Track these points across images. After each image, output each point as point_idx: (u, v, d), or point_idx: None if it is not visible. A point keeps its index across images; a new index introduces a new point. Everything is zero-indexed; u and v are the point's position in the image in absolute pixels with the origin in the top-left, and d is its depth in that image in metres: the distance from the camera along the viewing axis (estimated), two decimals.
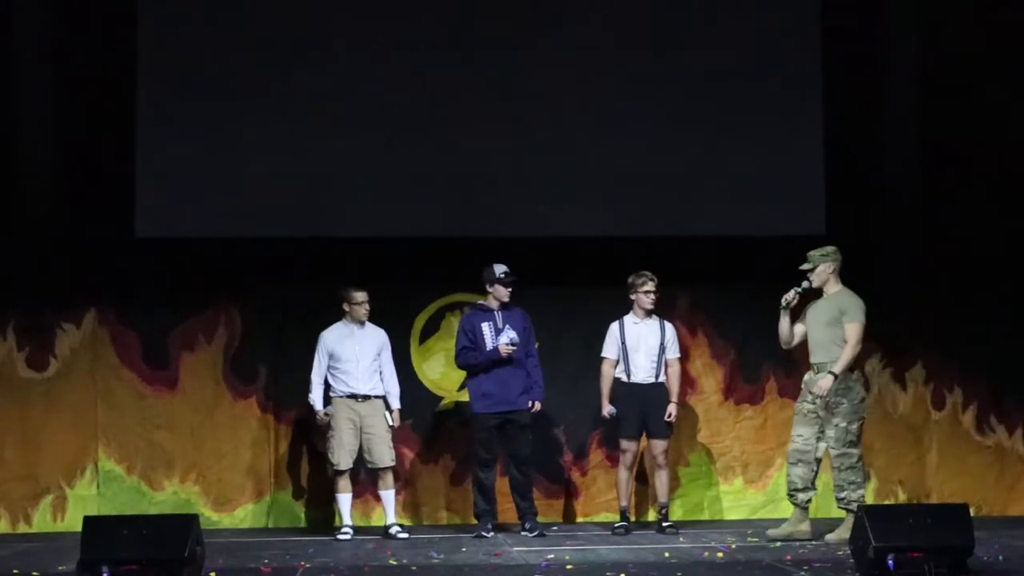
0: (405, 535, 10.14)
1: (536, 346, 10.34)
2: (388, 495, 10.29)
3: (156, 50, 10.92)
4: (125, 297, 11.02)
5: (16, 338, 10.90)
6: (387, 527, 10.25)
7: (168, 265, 10.91)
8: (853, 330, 9.52)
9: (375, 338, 10.33)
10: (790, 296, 9.66)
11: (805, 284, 9.63)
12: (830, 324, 9.58)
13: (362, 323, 10.30)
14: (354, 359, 10.21)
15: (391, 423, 10.25)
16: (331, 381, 10.26)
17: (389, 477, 10.29)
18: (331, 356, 10.25)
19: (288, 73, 10.95)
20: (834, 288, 9.70)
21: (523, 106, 11.04)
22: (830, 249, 9.71)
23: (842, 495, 9.53)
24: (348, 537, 10.05)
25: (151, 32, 10.92)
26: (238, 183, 10.84)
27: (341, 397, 10.21)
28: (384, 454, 10.22)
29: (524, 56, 11.10)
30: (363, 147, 10.92)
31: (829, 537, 9.45)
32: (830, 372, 9.44)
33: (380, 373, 10.32)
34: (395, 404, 10.33)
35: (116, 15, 10.91)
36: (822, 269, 9.66)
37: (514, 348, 10.07)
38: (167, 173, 10.85)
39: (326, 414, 10.20)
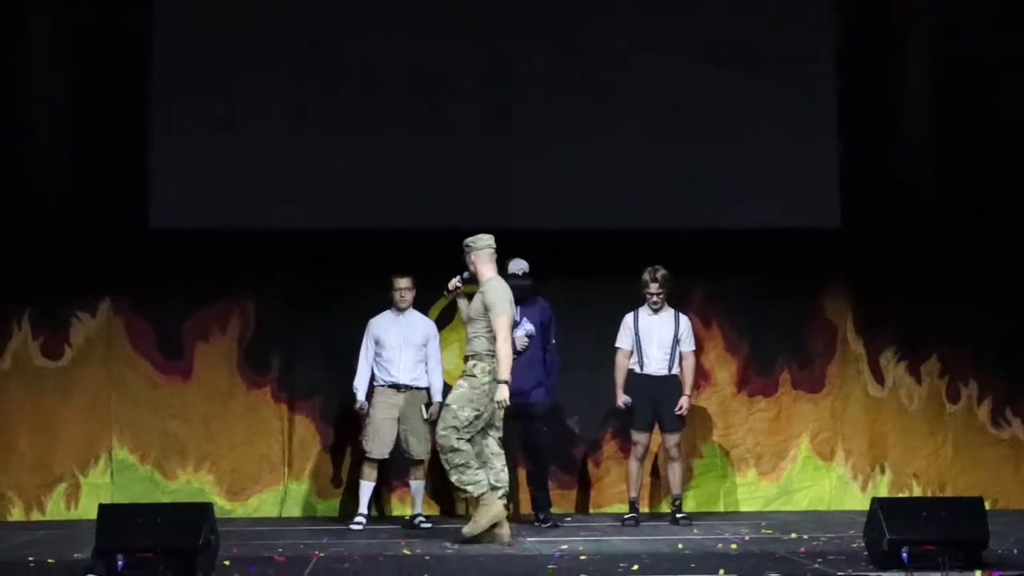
0: (429, 525, 10.16)
1: (553, 343, 10.31)
2: (418, 485, 10.32)
3: (171, 42, 10.91)
4: (140, 287, 11.05)
5: (31, 327, 10.93)
6: (413, 516, 10.28)
7: (182, 255, 10.92)
8: (501, 324, 9.04)
9: (422, 328, 10.33)
10: (452, 284, 9.46)
11: (466, 274, 9.35)
12: (476, 317, 9.21)
13: (403, 310, 10.29)
14: (397, 347, 10.21)
15: (426, 416, 10.22)
16: (375, 369, 10.26)
17: (420, 469, 10.31)
18: (376, 343, 10.25)
19: (303, 65, 10.94)
20: (485, 279, 9.28)
21: (538, 99, 11.01)
22: (479, 237, 9.31)
23: (452, 478, 9.09)
24: (360, 527, 10.04)
25: (166, 24, 10.92)
26: (252, 174, 10.82)
27: (383, 386, 10.21)
28: (422, 445, 10.23)
29: (539, 49, 11.07)
30: (380, 139, 10.89)
31: (464, 530, 9.02)
32: (501, 381, 9.00)
33: (426, 365, 10.31)
34: (436, 397, 10.28)
35: (132, 6, 10.90)
36: (471, 259, 9.29)
37: (528, 341, 10.05)
38: (181, 164, 10.85)
39: (360, 408, 10.20)
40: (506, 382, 8.97)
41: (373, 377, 10.26)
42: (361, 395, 10.21)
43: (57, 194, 10.84)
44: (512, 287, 9.44)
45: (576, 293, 11.01)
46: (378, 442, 10.16)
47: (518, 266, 10.18)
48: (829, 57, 11.23)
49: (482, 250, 9.26)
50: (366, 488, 10.22)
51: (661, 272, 10.28)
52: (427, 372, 10.30)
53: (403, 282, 10.27)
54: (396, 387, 10.20)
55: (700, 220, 11.11)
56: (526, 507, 10.60)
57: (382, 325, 10.27)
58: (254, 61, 10.94)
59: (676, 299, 10.53)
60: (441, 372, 10.39)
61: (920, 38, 11.40)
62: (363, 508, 10.21)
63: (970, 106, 11.26)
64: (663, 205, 11.09)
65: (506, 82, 11.02)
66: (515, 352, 9.99)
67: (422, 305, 10.62)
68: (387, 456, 10.23)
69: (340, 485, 11.02)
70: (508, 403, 9.04)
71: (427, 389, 10.29)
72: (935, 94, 11.34)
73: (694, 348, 10.49)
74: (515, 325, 10.06)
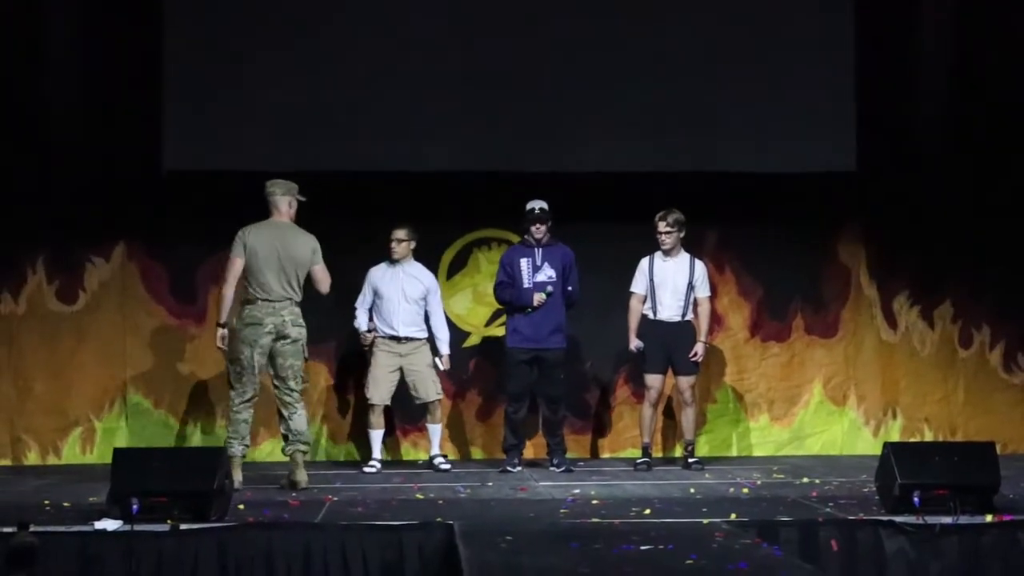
0: (448, 466, 10.23)
1: (570, 289, 10.28)
2: (435, 428, 10.39)
3: None
4: (154, 231, 11.06)
5: (46, 272, 10.94)
6: (432, 458, 10.36)
7: (196, 199, 10.89)
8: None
9: (420, 281, 10.35)
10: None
11: None
12: None
13: (396, 262, 10.30)
14: (395, 300, 10.25)
15: (441, 367, 10.30)
16: (376, 319, 10.33)
17: (437, 411, 10.37)
18: (375, 293, 10.29)
19: (317, 7, 10.86)
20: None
21: (550, 40, 10.91)
22: (277, 182, 9.29)
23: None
24: (375, 470, 10.12)
25: None
26: (267, 117, 10.76)
27: (383, 337, 10.26)
28: (429, 389, 10.29)
29: None
30: (393, 81, 10.81)
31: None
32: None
33: (427, 317, 10.33)
34: (444, 349, 10.35)
35: None
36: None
37: (546, 298, 10.05)
38: (195, 106, 10.78)
39: (370, 330, 10.25)
40: (220, 325, 9.05)
41: (372, 320, 10.31)
42: (363, 326, 10.29)
43: (70, 139, 10.80)
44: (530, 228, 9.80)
45: (589, 236, 10.97)
46: (378, 390, 10.26)
47: (531, 205, 10.15)
48: (848, 2, 11.12)
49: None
50: (375, 435, 10.34)
51: (674, 215, 10.25)
52: (430, 325, 10.34)
53: (398, 233, 10.28)
54: (396, 339, 10.26)
55: (715, 163, 11.04)
56: (540, 451, 10.64)
57: (379, 276, 10.32)
58: (271, 5, 10.86)
59: (690, 243, 10.51)
60: (445, 323, 10.43)
61: None
62: (376, 453, 10.31)
63: (990, 49, 11.15)
64: (677, 148, 11.02)
65: (517, 23, 10.92)
66: (532, 307, 10.01)
67: (429, 252, 10.62)
68: (388, 402, 10.36)
69: (353, 430, 11.05)
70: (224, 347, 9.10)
71: (430, 340, 10.34)
72: (953, 37, 11.22)
73: (709, 294, 10.47)
74: (536, 269, 10.07)
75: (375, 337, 10.28)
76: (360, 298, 10.36)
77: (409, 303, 10.27)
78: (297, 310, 9.09)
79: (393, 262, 10.31)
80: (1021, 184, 11.20)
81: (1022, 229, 11.22)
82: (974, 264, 11.33)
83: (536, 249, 10.19)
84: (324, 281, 9.22)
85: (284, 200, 9.22)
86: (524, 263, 10.17)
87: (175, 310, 11.10)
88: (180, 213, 10.96)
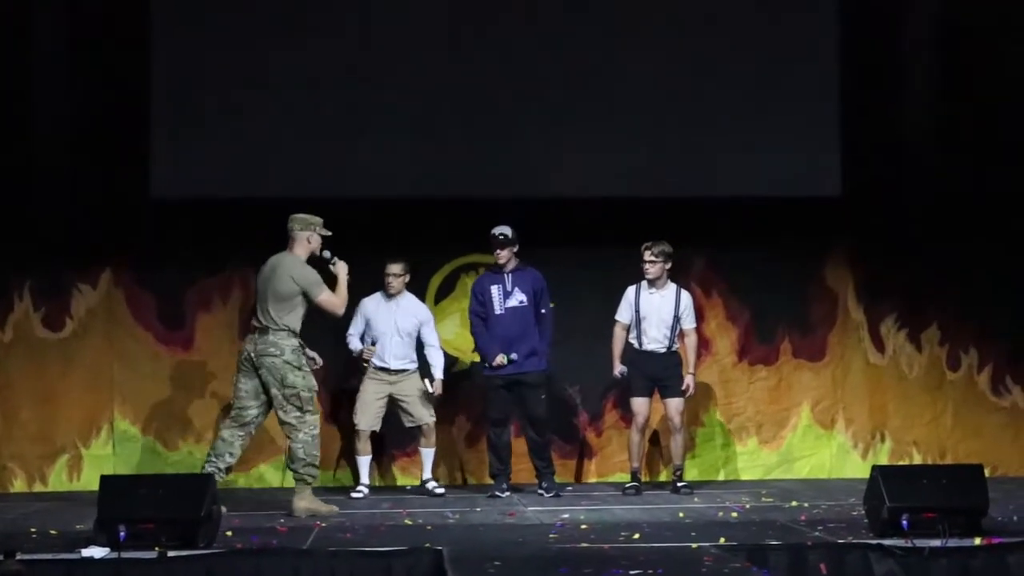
0: (442, 490, 10.24)
1: (552, 306, 10.32)
2: (428, 452, 10.41)
3: (171, 11, 10.86)
4: (140, 258, 11.04)
5: (32, 298, 10.92)
6: (424, 482, 10.37)
7: (183, 226, 10.90)
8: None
9: (414, 314, 10.37)
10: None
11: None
12: None
13: (392, 296, 10.30)
14: (388, 332, 10.27)
15: (431, 390, 10.31)
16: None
17: (432, 435, 10.38)
18: (367, 324, 10.29)
19: (303, 35, 10.88)
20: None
21: (537, 65, 10.95)
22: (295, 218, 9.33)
23: None
24: (362, 496, 10.12)
25: None
26: (253, 144, 10.77)
27: (373, 368, 10.27)
28: (423, 412, 10.32)
29: (539, 16, 11.02)
30: (379, 108, 10.84)
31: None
32: None
33: (423, 348, 10.38)
34: (437, 374, 10.40)
35: None
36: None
37: (507, 363, 10.08)
38: (182, 134, 10.80)
39: (373, 343, 10.25)
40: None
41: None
42: (359, 346, 10.31)
43: (56, 165, 10.80)
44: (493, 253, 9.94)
45: (577, 262, 11.01)
46: (365, 416, 10.28)
47: (494, 231, 10.17)
48: (832, 23, 11.15)
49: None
50: (362, 462, 10.37)
51: (660, 246, 10.27)
52: (426, 354, 10.38)
53: (394, 268, 10.30)
54: (386, 371, 10.26)
55: (702, 188, 11.08)
56: (528, 476, 10.62)
57: (372, 308, 10.33)
58: (258, 31, 10.88)
59: (677, 268, 10.52)
60: (441, 352, 10.45)
61: (924, 2, 11.32)
62: (364, 479, 10.33)
63: (974, 72, 11.19)
64: (664, 173, 11.04)
65: (504, 48, 10.96)
66: (490, 364, 10.13)
67: (416, 278, 10.66)
68: (376, 428, 10.37)
69: (341, 455, 11.03)
70: None
71: (421, 368, 10.39)
72: (937, 60, 11.27)
73: (695, 326, 10.49)
74: (507, 295, 10.08)
75: (372, 354, 10.26)
76: (352, 327, 10.35)
77: (402, 337, 10.30)
78: (270, 338, 9.05)
79: (389, 296, 10.31)
80: (1006, 207, 11.22)
81: (1007, 252, 11.25)
82: (961, 287, 11.34)
83: (506, 275, 10.21)
84: (330, 307, 9.20)
85: (301, 235, 9.24)
86: (495, 290, 10.20)
87: (162, 336, 11.08)
88: (167, 240, 10.95)
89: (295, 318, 9.08)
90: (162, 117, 10.78)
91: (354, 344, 10.38)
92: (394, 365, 10.28)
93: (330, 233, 9.30)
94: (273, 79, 10.80)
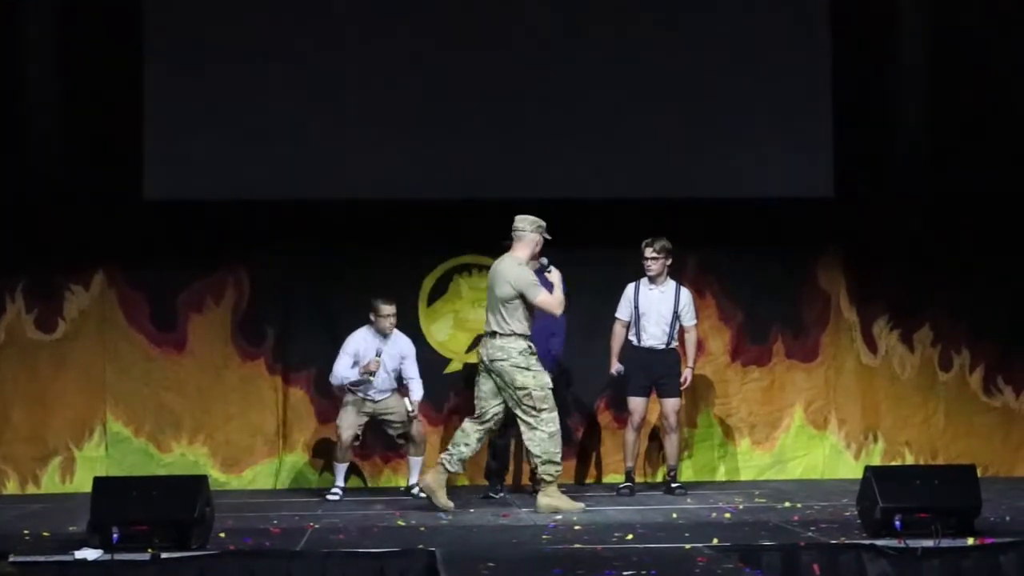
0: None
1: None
2: (415, 460, 10.42)
3: (165, 11, 10.86)
4: (133, 259, 11.02)
5: (24, 300, 10.91)
6: (410, 486, 10.36)
7: (176, 227, 10.90)
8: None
9: (399, 349, 10.39)
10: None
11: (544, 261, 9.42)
12: None
13: (387, 336, 10.32)
14: (377, 371, 10.27)
15: (410, 409, 10.32)
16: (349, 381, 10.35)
17: (422, 444, 10.41)
18: (355, 359, 10.28)
19: (296, 35, 10.88)
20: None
21: (531, 67, 10.97)
22: (524, 219, 9.36)
23: None
24: (337, 498, 10.15)
25: None
26: (246, 146, 10.77)
27: (358, 396, 10.28)
28: (407, 424, 10.33)
29: (532, 17, 11.03)
30: (373, 109, 10.85)
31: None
32: None
33: (403, 379, 10.41)
34: (416, 397, 10.42)
35: None
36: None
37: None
38: (176, 135, 10.80)
39: (377, 354, 10.23)
40: None
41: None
42: (356, 374, 10.24)
43: (49, 166, 10.79)
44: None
45: (573, 262, 10.97)
46: (346, 421, 10.25)
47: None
48: (824, 27, 11.17)
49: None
50: (340, 468, 10.40)
51: (660, 242, 10.27)
52: (407, 384, 10.43)
53: (390, 308, 10.32)
54: (371, 400, 10.33)
55: (695, 189, 11.09)
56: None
57: (364, 347, 10.30)
58: (251, 30, 10.88)
59: (671, 269, 10.52)
60: (420, 382, 10.47)
61: (915, 6, 11.35)
62: (339, 482, 10.36)
63: (968, 73, 11.20)
64: (657, 174, 11.06)
65: (497, 51, 10.96)
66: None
67: (410, 279, 10.67)
68: (358, 432, 10.33)
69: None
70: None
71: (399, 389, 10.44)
72: (930, 63, 11.29)
73: (695, 322, 10.48)
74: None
75: (378, 365, 10.25)
76: (341, 365, 10.26)
77: (388, 373, 10.35)
78: (498, 343, 9.16)
79: (383, 335, 10.32)
80: (998, 208, 11.25)
81: (999, 253, 11.27)
82: (952, 287, 11.36)
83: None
84: (548, 308, 9.28)
85: (530, 237, 9.32)
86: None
87: (155, 338, 11.06)
88: (160, 241, 10.94)
89: (519, 320, 9.18)
90: (155, 119, 10.78)
91: (350, 375, 10.28)
92: (378, 398, 10.34)
93: (550, 238, 9.36)
94: (266, 81, 10.81)
